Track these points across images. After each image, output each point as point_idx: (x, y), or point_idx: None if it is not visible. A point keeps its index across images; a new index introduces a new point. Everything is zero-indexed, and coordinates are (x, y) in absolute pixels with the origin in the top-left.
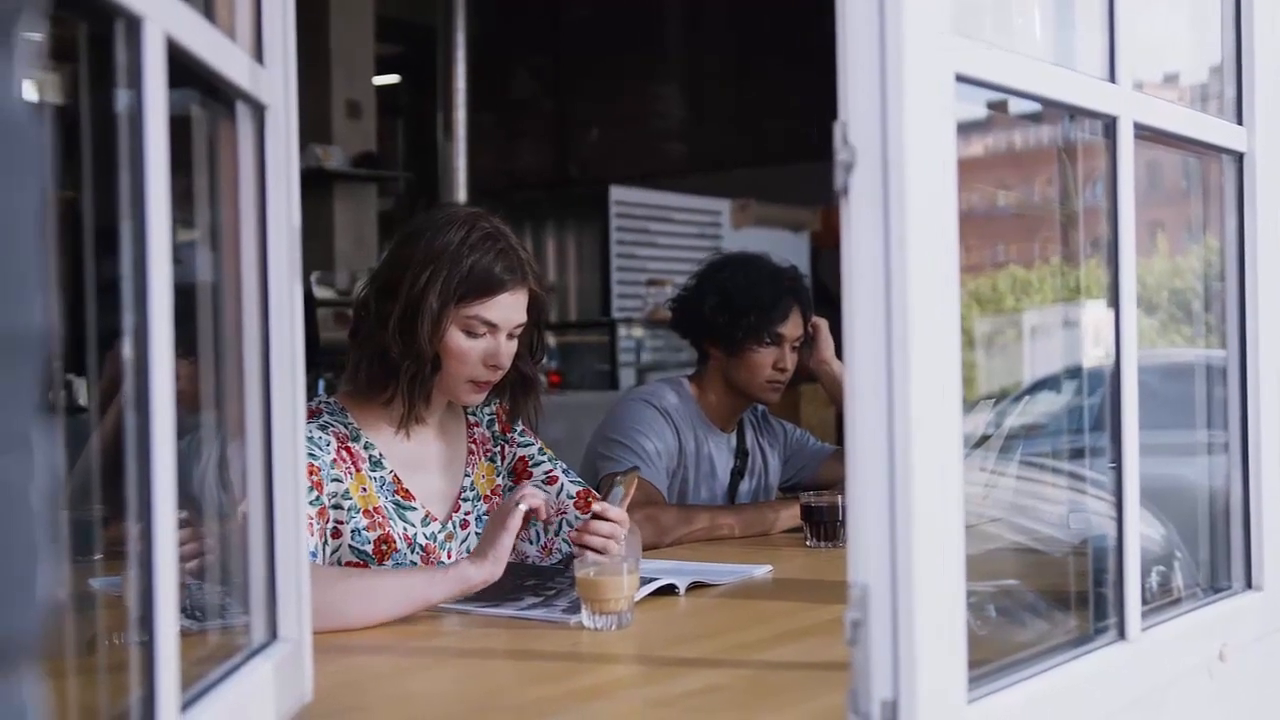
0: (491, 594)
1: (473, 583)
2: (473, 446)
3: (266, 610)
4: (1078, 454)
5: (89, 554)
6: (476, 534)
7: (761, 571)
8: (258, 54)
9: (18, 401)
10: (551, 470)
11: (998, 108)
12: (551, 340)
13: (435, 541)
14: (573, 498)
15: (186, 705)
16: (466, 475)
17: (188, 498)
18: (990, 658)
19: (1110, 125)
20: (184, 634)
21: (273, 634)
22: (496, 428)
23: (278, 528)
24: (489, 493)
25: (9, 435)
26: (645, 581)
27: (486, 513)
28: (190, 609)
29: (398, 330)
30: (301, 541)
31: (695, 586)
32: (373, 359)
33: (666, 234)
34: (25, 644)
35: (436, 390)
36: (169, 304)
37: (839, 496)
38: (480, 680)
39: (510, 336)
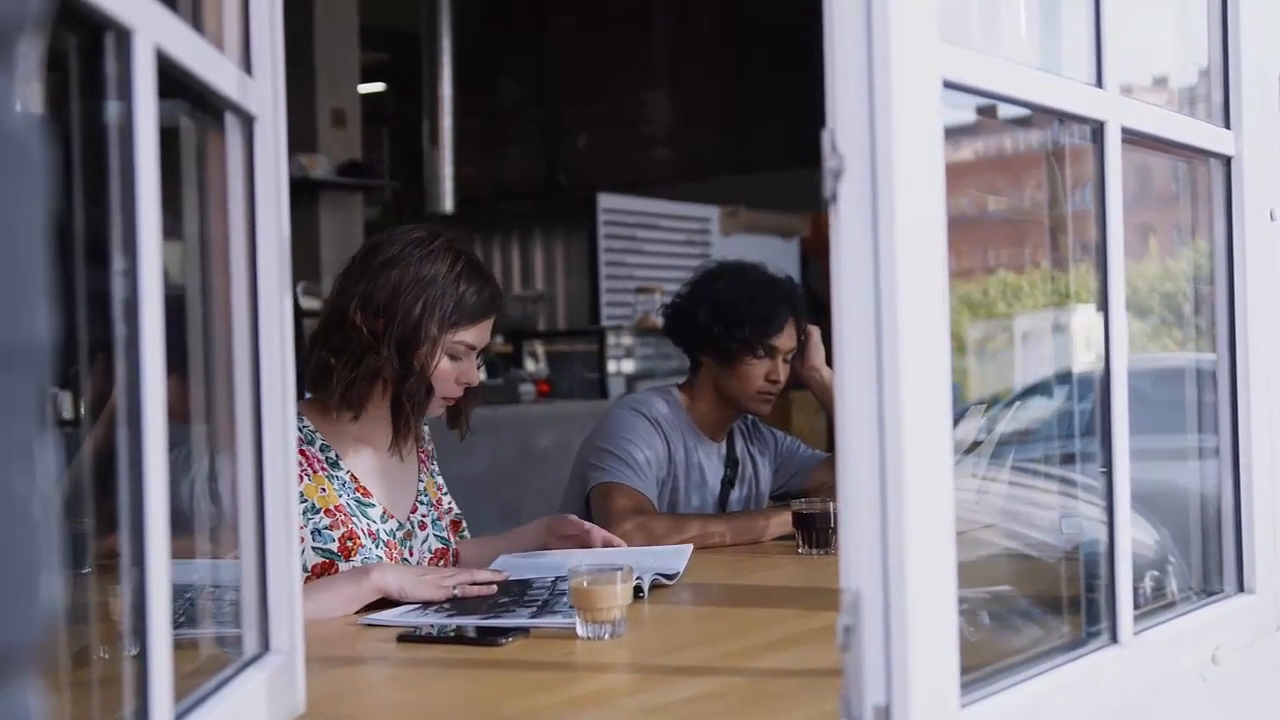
0: (487, 609)
1: (377, 585)
2: (422, 456)
3: (259, 622)
4: (1069, 459)
5: (80, 568)
6: (435, 535)
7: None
8: (246, 65)
9: (21, 411)
10: (451, 505)
11: (986, 112)
12: (540, 349)
13: (395, 539)
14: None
15: (179, 717)
16: (420, 481)
17: (177, 511)
18: (983, 663)
19: (1098, 130)
20: (176, 645)
21: (265, 646)
22: (431, 447)
23: (269, 540)
24: (436, 501)
25: (12, 444)
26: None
27: (438, 519)
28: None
29: (395, 355)
30: (294, 554)
31: (658, 586)
32: (363, 378)
33: (655, 241)
34: (29, 652)
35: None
36: (159, 313)
37: (830, 503)
38: (473, 690)
39: (479, 355)
